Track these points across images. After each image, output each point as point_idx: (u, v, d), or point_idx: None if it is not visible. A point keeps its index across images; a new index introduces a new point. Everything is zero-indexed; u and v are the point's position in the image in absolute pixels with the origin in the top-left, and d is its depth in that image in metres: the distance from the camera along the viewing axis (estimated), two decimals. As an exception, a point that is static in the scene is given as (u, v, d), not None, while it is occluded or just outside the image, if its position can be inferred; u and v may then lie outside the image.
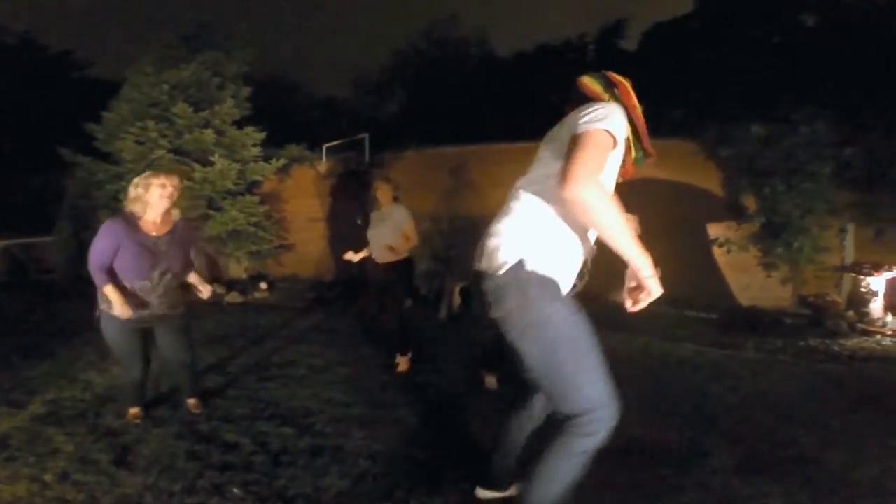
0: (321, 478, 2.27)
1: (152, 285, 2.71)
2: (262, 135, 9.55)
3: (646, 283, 1.50)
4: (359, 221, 10.28)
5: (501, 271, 1.55)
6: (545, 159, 1.66)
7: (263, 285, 8.90)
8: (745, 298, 6.73)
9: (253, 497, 2.10)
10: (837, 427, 2.96)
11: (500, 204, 1.78)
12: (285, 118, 14.03)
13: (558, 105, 1.82)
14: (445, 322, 6.35)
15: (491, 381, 3.63)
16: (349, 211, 10.51)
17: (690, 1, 10.12)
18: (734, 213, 6.25)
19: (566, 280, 1.62)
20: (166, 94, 8.74)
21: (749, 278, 6.65)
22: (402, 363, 4.08)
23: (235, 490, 2.13)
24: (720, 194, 6.51)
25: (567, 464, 1.62)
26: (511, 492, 2.09)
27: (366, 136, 11.07)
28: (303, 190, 11.00)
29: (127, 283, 2.64)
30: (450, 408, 3.26)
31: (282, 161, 10.00)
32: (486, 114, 13.75)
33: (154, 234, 2.70)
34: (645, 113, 1.70)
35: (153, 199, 2.64)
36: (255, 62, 10.32)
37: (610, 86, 1.69)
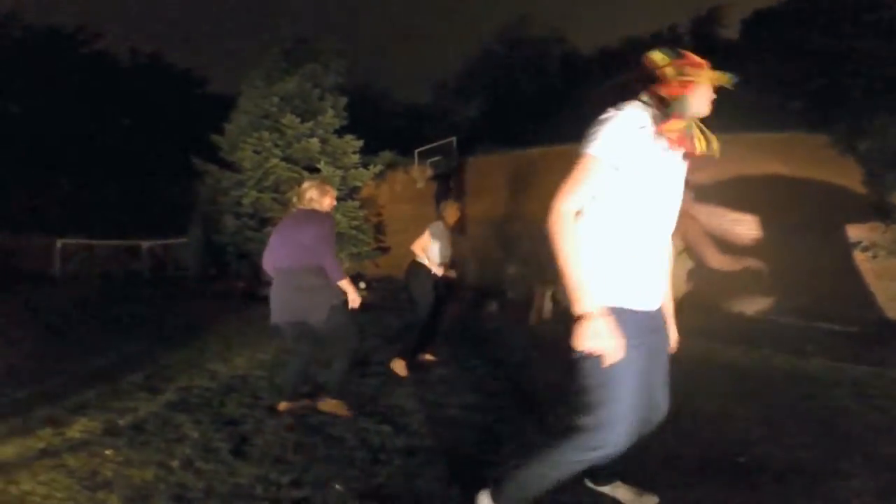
0: (415, 479, 2.30)
1: None
2: (361, 142, 10.07)
3: (574, 322, 1.45)
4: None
5: None
6: None
7: (363, 285, 9.33)
8: (893, 310, 5.81)
9: (353, 493, 2.18)
10: None
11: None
12: (375, 125, 14.66)
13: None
14: (536, 327, 6.22)
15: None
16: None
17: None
18: (881, 213, 5.40)
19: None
20: (276, 106, 9.55)
21: (899, 287, 5.75)
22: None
23: (338, 486, 2.23)
24: (861, 192, 5.67)
25: (555, 470, 1.61)
26: (608, 490, 2.08)
27: (454, 139, 11.22)
28: (397, 194, 11.39)
29: None
30: (537, 413, 3.19)
31: (378, 167, 10.46)
32: (570, 112, 13.31)
33: None
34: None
35: (325, 206, 3.06)
36: (347, 73, 10.97)
37: (678, 56, 1.51)
